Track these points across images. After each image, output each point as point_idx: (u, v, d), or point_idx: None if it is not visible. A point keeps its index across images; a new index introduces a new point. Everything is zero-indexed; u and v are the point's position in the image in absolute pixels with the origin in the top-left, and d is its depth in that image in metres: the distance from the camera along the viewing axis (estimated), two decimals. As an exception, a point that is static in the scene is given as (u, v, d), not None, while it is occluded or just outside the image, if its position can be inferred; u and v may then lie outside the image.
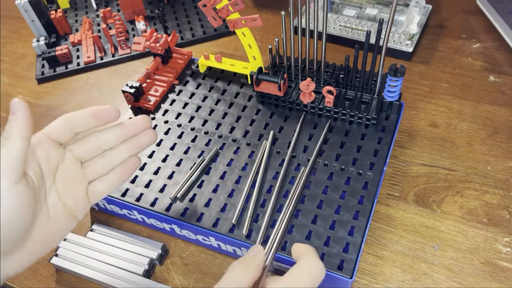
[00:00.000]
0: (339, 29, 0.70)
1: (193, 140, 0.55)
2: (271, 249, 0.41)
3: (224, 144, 0.54)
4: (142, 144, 0.40)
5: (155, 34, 0.62)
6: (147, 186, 0.51)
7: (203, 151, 0.54)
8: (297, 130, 0.53)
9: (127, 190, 0.51)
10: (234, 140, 0.54)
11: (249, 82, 0.61)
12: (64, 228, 0.36)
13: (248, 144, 0.54)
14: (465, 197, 0.51)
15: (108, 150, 0.39)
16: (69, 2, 0.86)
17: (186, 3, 0.83)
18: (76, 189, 0.37)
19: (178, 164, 0.53)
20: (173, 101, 0.60)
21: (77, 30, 0.80)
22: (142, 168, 0.53)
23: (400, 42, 0.66)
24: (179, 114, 0.59)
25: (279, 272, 0.46)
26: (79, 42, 0.77)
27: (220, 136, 0.55)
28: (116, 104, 0.67)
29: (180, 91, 0.62)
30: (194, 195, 0.49)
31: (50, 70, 0.74)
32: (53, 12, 0.77)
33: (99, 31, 0.79)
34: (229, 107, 0.58)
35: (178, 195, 0.49)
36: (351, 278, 0.41)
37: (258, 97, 0.58)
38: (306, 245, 0.39)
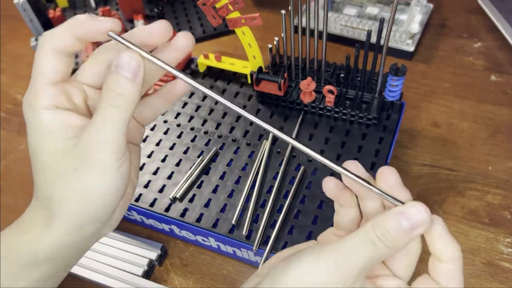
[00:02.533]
0: (340, 28, 0.69)
1: (192, 140, 0.55)
2: (271, 249, 0.41)
3: (224, 144, 0.54)
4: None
5: (154, 33, 0.62)
6: (146, 186, 0.51)
7: (202, 151, 0.53)
8: (295, 130, 0.53)
9: (126, 190, 0.50)
10: (234, 140, 0.54)
11: (249, 82, 0.60)
12: (137, 160, 0.31)
13: (248, 144, 0.53)
14: (467, 197, 0.50)
15: None
16: (67, 1, 0.85)
17: (185, 2, 0.82)
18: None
19: (177, 164, 0.52)
20: (173, 100, 0.60)
21: (76, 29, 0.80)
22: (141, 168, 0.52)
23: (401, 41, 0.66)
24: (178, 114, 0.58)
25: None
26: (78, 41, 0.77)
27: (219, 136, 0.55)
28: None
29: (179, 91, 0.61)
30: (194, 195, 0.49)
31: (48, 69, 0.73)
32: (51, 11, 0.77)
33: (98, 30, 0.79)
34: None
35: (177, 196, 0.49)
36: (352, 279, 0.41)
37: (258, 97, 0.57)
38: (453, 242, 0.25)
